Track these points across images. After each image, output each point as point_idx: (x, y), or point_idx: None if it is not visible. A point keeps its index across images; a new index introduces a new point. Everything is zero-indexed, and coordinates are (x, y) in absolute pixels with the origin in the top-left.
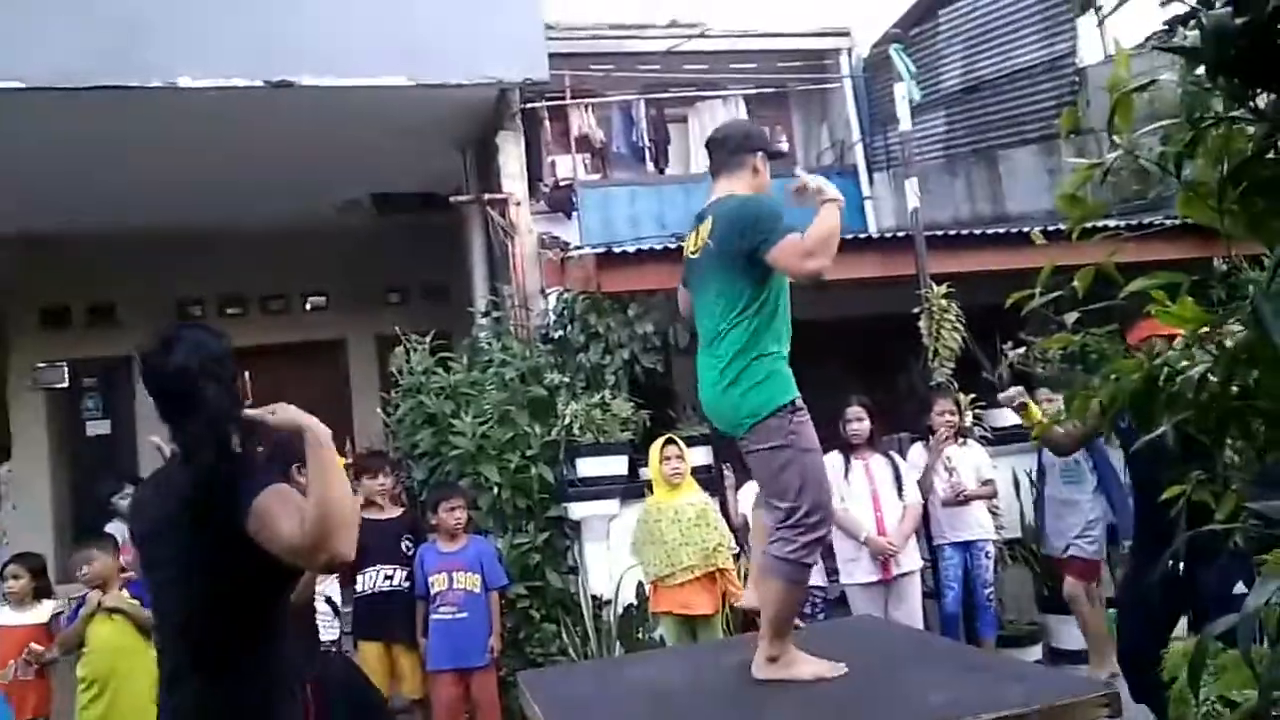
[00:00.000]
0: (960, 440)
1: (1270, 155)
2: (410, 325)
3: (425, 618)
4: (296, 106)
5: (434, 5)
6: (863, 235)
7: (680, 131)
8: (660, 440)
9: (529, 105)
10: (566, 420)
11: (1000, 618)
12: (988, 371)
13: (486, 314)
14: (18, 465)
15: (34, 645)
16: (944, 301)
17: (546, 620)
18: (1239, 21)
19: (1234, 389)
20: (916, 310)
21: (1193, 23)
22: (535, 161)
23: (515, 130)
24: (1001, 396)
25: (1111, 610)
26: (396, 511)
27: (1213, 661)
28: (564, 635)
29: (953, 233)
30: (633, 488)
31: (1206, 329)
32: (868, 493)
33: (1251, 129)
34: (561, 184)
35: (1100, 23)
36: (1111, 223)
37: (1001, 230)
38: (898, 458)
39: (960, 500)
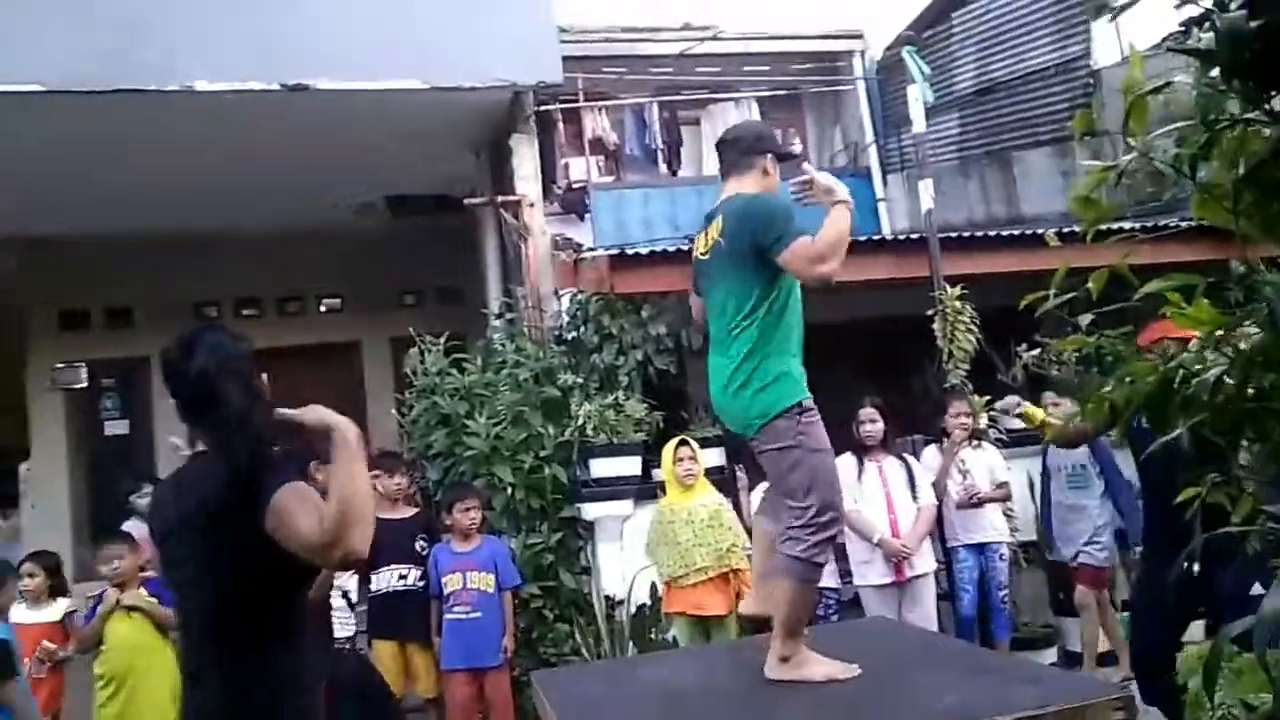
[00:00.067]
0: (974, 442)
1: None
2: (424, 327)
3: (439, 617)
4: (312, 110)
5: (448, 9)
6: (877, 237)
7: (693, 134)
8: (673, 441)
9: (542, 108)
10: (580, 421)
11: (1015, 620)
12: (1002, 374)
13: (500, 315)
14: (36, 465)
15: (46, 643)
16: (958, 303)
17: (560, 620)
18: (1254, 24)
19: (1250, 391)
20: (930, 312)
21: (1207, 25)
22: (549, 164)
23: (529, 133)
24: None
25: (1125, 614)
26: (411, 511)
27: (1228, 665)
28: (577, 635)
29: (967, 234)
30: (646, 488)
31: (1222, 331)
32: (881, 494)
33: (1267, 131)
34: (575, 186)
35: (1113, 19)
36: (1126, 225)
37: (1016, 232)
38: (911, 459)
39: (974, 503)
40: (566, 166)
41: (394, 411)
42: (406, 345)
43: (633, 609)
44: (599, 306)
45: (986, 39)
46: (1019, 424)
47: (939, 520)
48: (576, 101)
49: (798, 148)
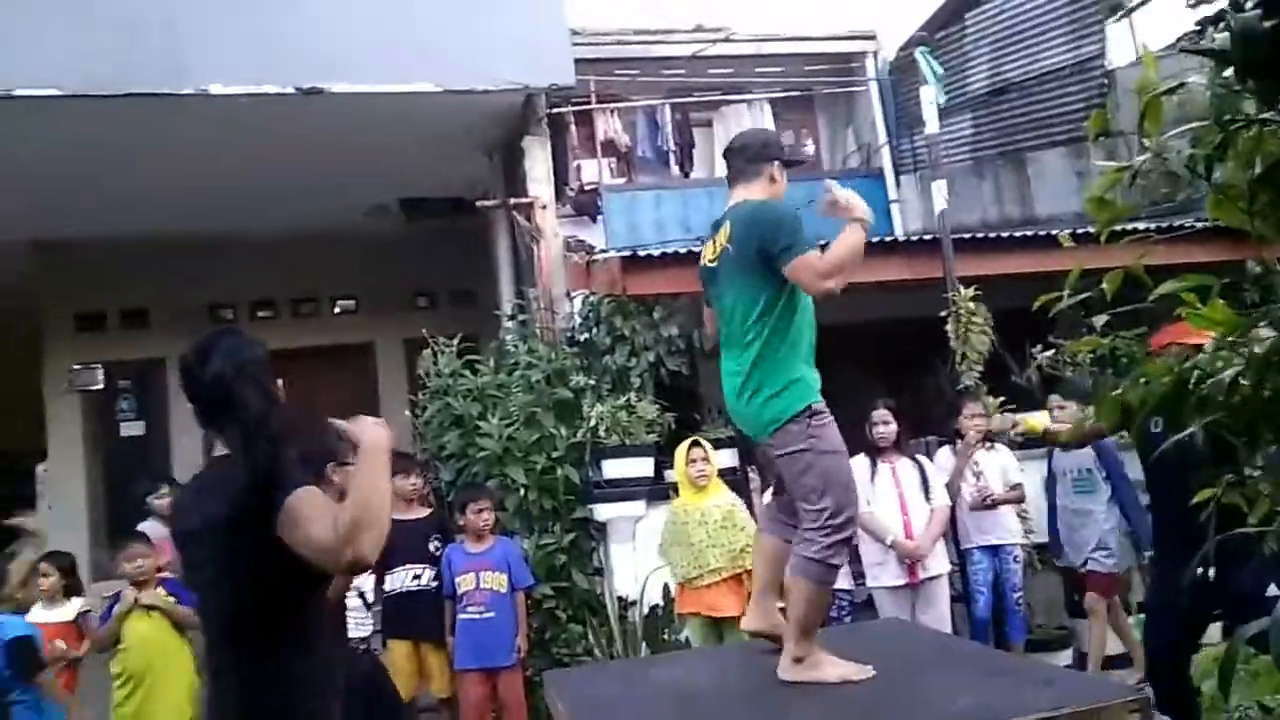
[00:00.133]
0: (988, 444)
1: None
2: (438, 328)
3: (453, 617)
4: (326, 113)
5: (460, 12)
6: (889, 239)
7: (705, 135)
8: (686, 443)
9: (555, 110)
10: (592, 422)
11: (1029, 622)
12: (1016, 375)
13: (513, 317)
14: (53, 465)
15: (58, 643)
16: (971, 304)
17: (572, 621)
18: (1268, 24)
19: (1265, 392)
20: (944, 313)
21: (1222, 25)
22: (561, 166)
23: (541, 135)
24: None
25: (1141, 616)
26: (424, 512)
27: (1244, 667)
28: (590, 636)
29: (980, 235)
30: (658, 489)
31: (1237, 332)
32: (894, 496)
33: None
34: (587, 188)
35: (1122, 18)
36: (1141, 225)
37: (1029, 233)
38: (924, 460)
39: (988, 504)
40: (579, 168)
41: (407, 413)
42: (420, 347)
43: (645, 610)
44: (611, 308)
45: (1000, 39)
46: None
47: (952, 522)
48: (589, 104)
49: (810, 149)
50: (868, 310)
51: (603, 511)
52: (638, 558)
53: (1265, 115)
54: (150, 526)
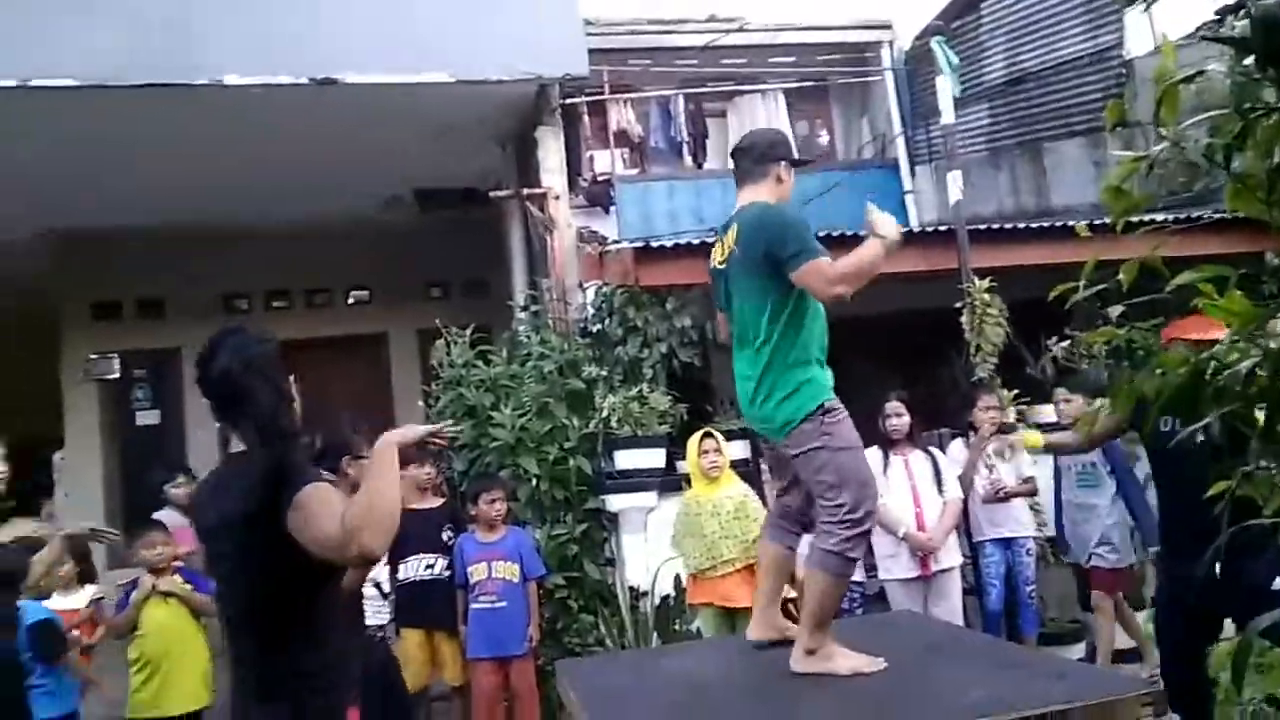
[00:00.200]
0: (1002, 436)
1: None
2: (451, 319)
3: (465, 606)
4: (340, 104)
5: (474, 3)
6: (904, 230)
7: (719, 126)
8: (698, 434)
9: (568, 101)
10: (604, 413)
11: (1042, 616)
12: (1031, 367)
13: (525, 308)
14: (70, 453)
15: (73, 632)
16: (986, 296)
17: (584, 611)
18: None
19: None
20: (959, 305)
21: (1242, 12)
22: (574, 157)
23: (554, 125)
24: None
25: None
26: (438, 501)
27: (1258, 659)
28: (601, 626)
29: (995, 226)
30: (670, 480)
31: (1255, 324)
32: (907, 488)
33: None
34: (600, 179)
35: (1146, 8)
36: (1158, 217)
37: (1045, 224)
38: (937, 453)
39: (1000, 497)
40: (591, 159)
41: (420, 403)
42: (433, 337)
43: (656, 600)
44: (624, 299)
45: (1017, 29)
46: (1052, 415)
47: (965, 514)
48: (602, 94)
49: (824, 140)
50: (882, 302)
51: (615, 502)
52: (649, 548)
53: None
54: (167, 515)
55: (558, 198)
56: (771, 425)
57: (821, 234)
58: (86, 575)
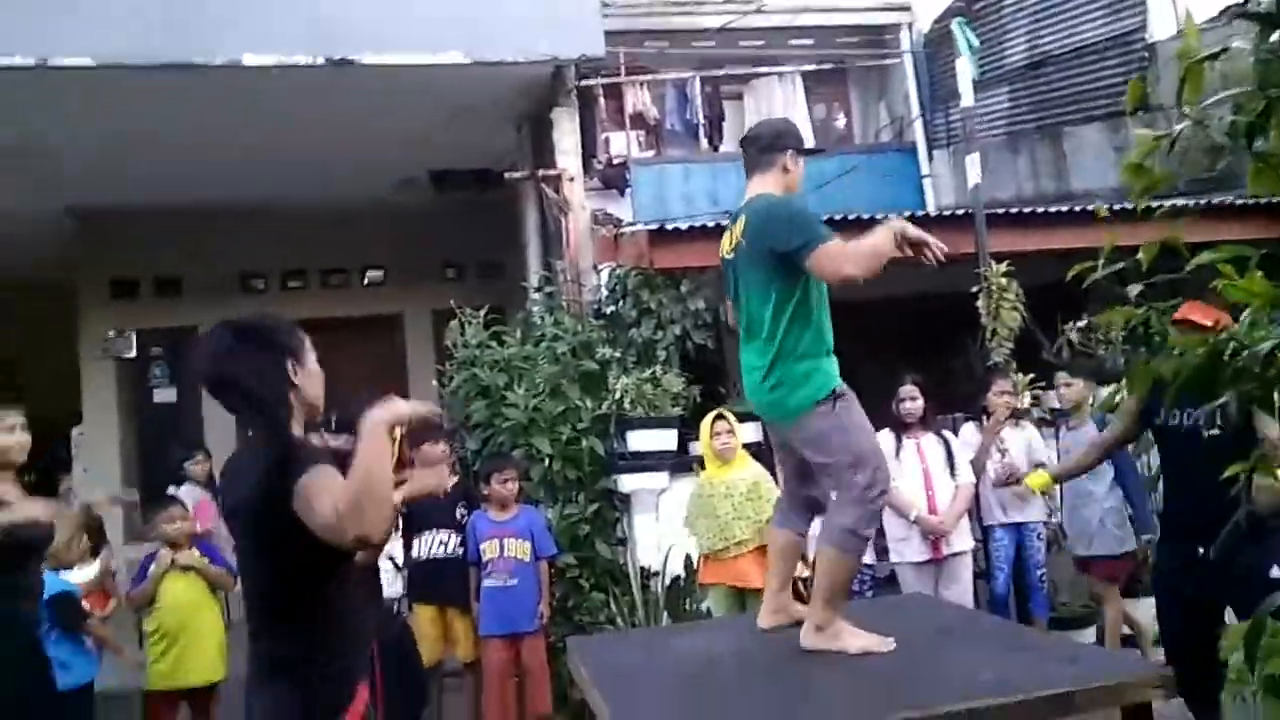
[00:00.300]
0: (1015, 421)
1: None
2: (465, 300)
3: (478, 583)
4: (356, 84)
5: None
6: (921, 214)
7: (736, 108)
8: (710, 415)
9: (584, 82)
10: (617, 394)
11: (1053, 600)
12: (1047, 351)
13: (540, 289)
14: (88, 429)
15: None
16: (1003, 280)
17: (595, 590)
18: None
19: None
20: (975, 289)
21: None
22: (590, 139)
23: (570, 106)
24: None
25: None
26: (451, 480)
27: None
28: (612, 605)
29: (1014, 210)
30: (682, 462)
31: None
32: (919, 472)
33: None
34: (615, 161)
35: None
36: (1179, 202)
37: (1063, 209)
38: (950, 437)
39: (1011, 481)
40: (607, 141)
41: (434, 383)
42: (447, 318)
43: (667, 580)
44: (638, 281)
45: (1038, 11)
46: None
47: (975, 498)
48: (618, 76)
49: (841, 123)
50: (897, 286)
51: (626, 483)
52: (660, 529)
53: None
54: (187, 491)
55: (573, 179)
56: (782, 410)
57: (838, 217)
58: (98, 550)
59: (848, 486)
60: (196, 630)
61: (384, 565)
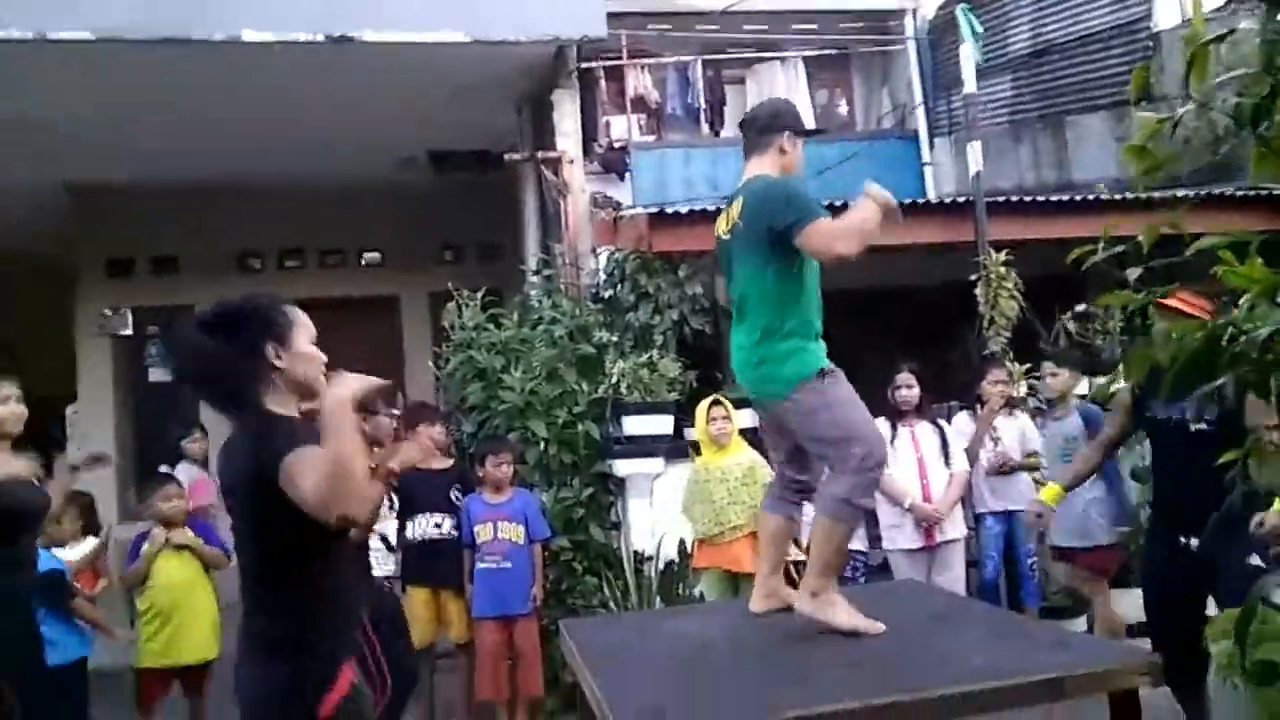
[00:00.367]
0: (1008, 410)
1: None
2: (463, 282)
3: (471, 566)
4: (356, 62)
5: None
6: (921, 201)
7: (737, 93)
8: (706, 401)
9: (585, 65)
10: (614, 379)
11: (1044, 589)
12: (1045, 340)
13: (538, 272)
14: (84, 407)
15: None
16: (1002, 269)
17: (588, 573)
18: None
19: None
20: (974, 277)
21: None
22: (590, 122)
23: (571, 88)
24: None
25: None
26: (447, 463)
27: (1262, 626)
28: (605, 588)
29: (1014, 199)
30: (678, 447)
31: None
32: (913, 459)
33: None
34: (616, 145)
35: None
36: (1181, 192)
37: (1063, 198)
38: (945, 425)
39: (1004, 470)
40: (608, 125)
41: (431, 365)
42: (445, 300)
43: (661, 565)
44: (636, 265)
45: None
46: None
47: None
48: (620, 59)
49: (844, 109)
50: (896, 273)
51: (622, 467)
52: (655, 514)
53: None
54: (184, 469)
55: (572, 162)
56: (770, 386)
57: (838, 203)
58: (89, 528)
59: (844, 459)
60: (190, 609)
61: (374, 544)
